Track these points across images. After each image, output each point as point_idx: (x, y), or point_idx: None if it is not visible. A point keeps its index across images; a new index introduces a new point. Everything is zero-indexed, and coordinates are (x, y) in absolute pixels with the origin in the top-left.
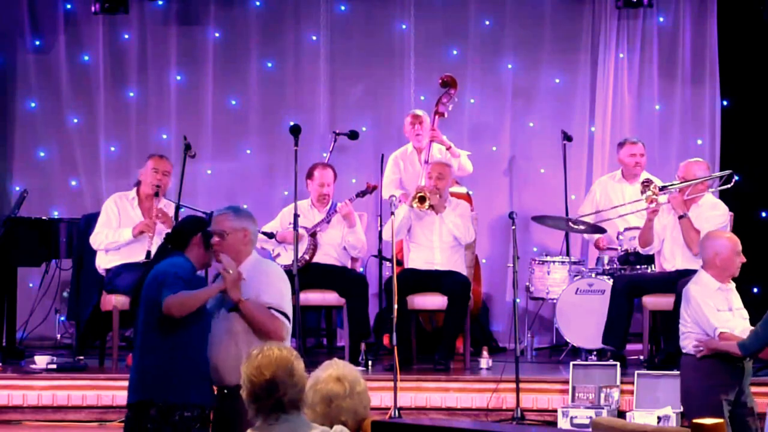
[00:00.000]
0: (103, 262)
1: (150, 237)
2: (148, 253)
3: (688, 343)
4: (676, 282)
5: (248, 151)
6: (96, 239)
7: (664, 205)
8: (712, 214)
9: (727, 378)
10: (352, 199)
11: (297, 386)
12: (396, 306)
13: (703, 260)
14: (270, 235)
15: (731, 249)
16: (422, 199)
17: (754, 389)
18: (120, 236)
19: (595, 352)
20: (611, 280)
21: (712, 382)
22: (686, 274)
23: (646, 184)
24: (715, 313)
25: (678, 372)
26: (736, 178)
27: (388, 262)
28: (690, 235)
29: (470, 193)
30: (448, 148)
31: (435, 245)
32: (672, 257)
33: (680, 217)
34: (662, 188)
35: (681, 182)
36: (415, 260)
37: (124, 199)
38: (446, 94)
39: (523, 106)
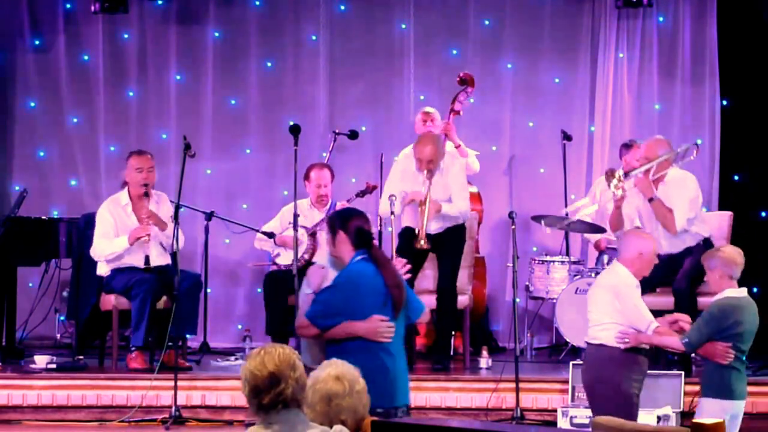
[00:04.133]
0: (104, 270)
1: (146, 242)
2: (147, 258)
3: (606, 334)
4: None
5: (248, 151)
6: (95, 252)
7: (633, 189)
8: (681, 190)
9: (641, 372)
10: (351, 199)
11: (298, 382)
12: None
13: (623, 256)
14: (270, 235)
15: (653, 251)
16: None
17: (754, 389)
18: (118, 246)
19: None
20: None
21: (631, 375)
22: (678, 259)
23: (610, 174)
24: (646, 308)
25: (678, 371)
26: (699, 144)
27: None
28: (665, 216)
29: (479, 192)
30: (458, 147)
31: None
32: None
33: (650, 200)
34: (626, 174)
35: (643, 165)
36: (410, 221)
37: (117, 205)
38: (463, 92)
39: (523, 106)
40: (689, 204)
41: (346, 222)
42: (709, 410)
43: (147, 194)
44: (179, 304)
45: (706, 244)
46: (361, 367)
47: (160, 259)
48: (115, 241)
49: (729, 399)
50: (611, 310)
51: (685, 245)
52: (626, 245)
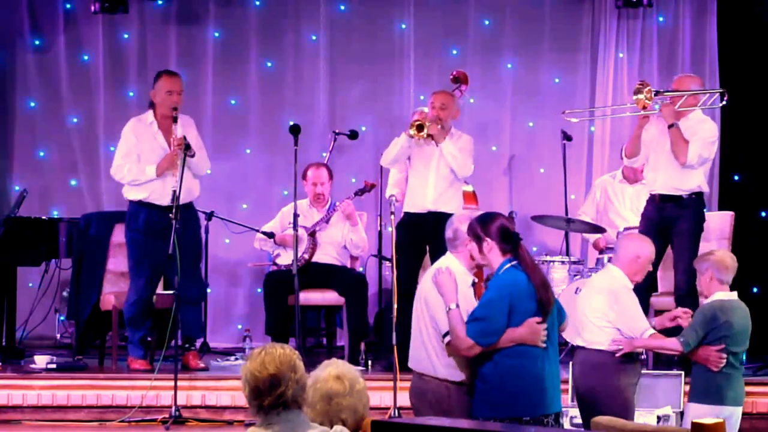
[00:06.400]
0: (131, 195)
1: (173, 175)
2: (174, 194)
3: (603, 339)
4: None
5: (248, 151)
6: (118, 172)
7: (653, 119)
8: (702, 127)
9: (636, 375)
10: (351, 198)
11: (299, 383)
12: (396, 306)
13: (619, 258)
14: (269, 235)
15: (650, 256)
16: (420, 128)
17: (754, 389)
18: (143, 174)
19: None
20: None
21: (626, 379)
22: (669, 219)
23: (641, 86)
24: (642, 313)
25: (678, 371)
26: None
27: (388, 262)
28: (679, 145)
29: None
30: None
31: (430, 180)
32: (654, 171)
33: (670, 126)
34: (657, 93)
35: (675, 91)
36: (409, 203)
37: (142, 124)
38: (457, 90)
39: (523, 106)
40: (707, 144)
41: (488, 225)
42: (696, 415)
43: (175, 119)
44: (182, 305)
45: (699, 199)
46: (518, 373)
47: (184, 195)
48: (141, 167)
49: (718, 404)
50: (608, 312)
51: (681, 189)
52: (623, 247)
